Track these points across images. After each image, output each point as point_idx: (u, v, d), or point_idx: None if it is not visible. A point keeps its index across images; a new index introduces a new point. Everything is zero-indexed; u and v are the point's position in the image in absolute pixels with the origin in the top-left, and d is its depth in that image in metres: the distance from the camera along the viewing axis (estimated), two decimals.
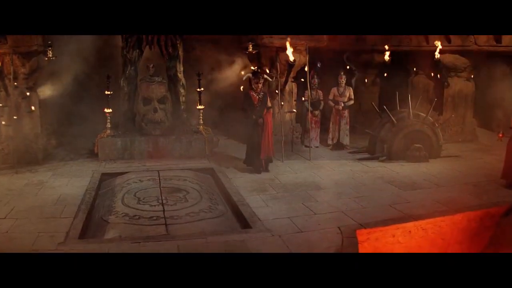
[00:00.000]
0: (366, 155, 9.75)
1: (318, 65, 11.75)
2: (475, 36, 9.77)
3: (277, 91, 9.85)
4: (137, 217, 6.49)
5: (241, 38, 10.11)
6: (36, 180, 7.94)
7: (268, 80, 9.20)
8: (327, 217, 6.35)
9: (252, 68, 9.86)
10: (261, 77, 8.51)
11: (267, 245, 5.47)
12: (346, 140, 10.59)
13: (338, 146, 10.52)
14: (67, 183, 7.82)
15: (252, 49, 9.61)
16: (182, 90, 10.14)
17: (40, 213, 6.38)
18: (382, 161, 9.24)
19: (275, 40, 9.47)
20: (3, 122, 8.51)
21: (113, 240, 5.80)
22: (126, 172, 8.52)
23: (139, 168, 8.79)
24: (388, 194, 7.31)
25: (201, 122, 9.99)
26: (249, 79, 8.66)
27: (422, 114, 9.46)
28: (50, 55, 8.31)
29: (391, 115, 9.34)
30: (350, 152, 10.18)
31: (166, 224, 6.27)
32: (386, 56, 10.68)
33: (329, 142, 10.70)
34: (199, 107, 9.95)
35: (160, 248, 5.33)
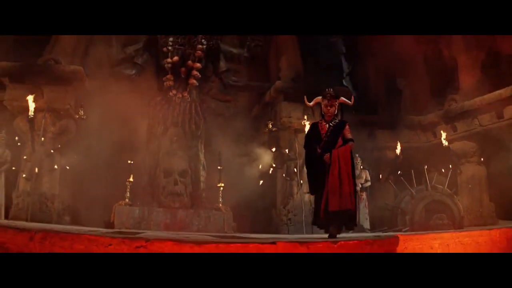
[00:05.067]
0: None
1: None
2: (478, 117, 10.35)
3: (295, 170, 10.07)
4: None
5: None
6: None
7: (347, 104, 6.22)
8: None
9: None
10: (331, 97, 5.95)
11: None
12: (366, 224, 10.35)
13: (358, 229, 10.24)
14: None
15: (271, 127, 10.16)
16: (202, 171, 10.34)
17: None
18: (405, 231, 8.97)
19: (294, 120, 10.09)
20: (23, 175, 8.60)
21: None
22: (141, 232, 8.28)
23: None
24: None
25: (221, 200, 9.95)
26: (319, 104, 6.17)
27: (440, 186, 9.52)
28: (82, 114, 8.83)
29: (409, 187, 9.40)
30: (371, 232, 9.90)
31: None
32: (398, 151, 11.11)
33: None
34: (219, 184, 10.03)
35: None
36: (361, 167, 10.86)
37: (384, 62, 11.97)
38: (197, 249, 3.23)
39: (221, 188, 10.02)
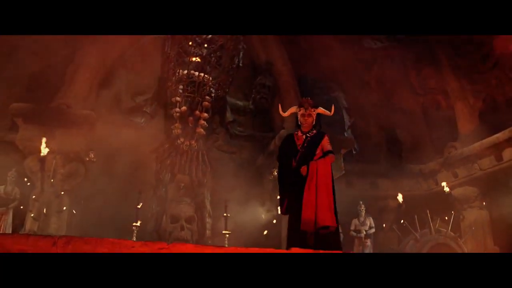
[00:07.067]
0: None
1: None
2: (478, 162, 10.58)
3: None
4: None
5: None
6: None
7: (327, 114, 5.58)
8: None
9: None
10: (309, 106, 5.39)
11: None
12: None
13: None
14: None
15: (276, 174, 10.35)
16: (208, 218, 10.44)
17: None
18: None
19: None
20: (31, 215, 8.72)
21: None
22: None
23: None
24: None
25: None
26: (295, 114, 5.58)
27: (443, 230, 9.60)
28: (92, 157, 9.11)
29: (413, 231, 9.49)
30: None
31: None
32: (400, 199, 11.25)
33: None
34: (225, 232, 10.06)
35: None
36: (365, 215, 10.99)
37: (384, 114, 12.40)
38: (218, 251, 3.39)
39: (227, 236, 10.06)
